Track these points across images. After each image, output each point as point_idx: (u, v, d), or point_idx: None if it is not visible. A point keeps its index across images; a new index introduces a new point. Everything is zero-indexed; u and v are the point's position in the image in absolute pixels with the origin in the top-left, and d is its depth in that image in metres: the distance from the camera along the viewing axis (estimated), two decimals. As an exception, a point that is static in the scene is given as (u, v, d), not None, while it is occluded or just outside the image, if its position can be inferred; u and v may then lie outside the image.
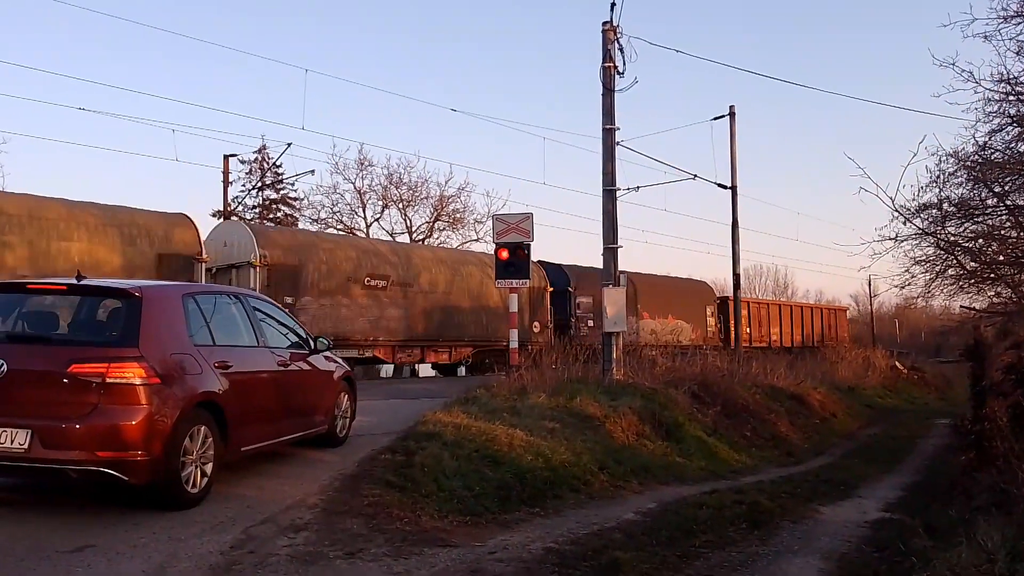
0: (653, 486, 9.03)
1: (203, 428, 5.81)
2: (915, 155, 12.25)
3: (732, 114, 23.03)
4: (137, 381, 5.32)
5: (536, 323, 23.53)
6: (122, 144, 75.64)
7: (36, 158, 73.29)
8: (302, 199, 37.40)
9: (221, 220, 26.76)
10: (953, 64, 10.55)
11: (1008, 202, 11.70)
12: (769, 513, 7.70)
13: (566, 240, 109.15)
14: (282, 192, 38.22)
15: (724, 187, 22.50)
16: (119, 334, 5.60)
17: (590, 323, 25.12)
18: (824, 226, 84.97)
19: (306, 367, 7.66)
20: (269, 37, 72.84)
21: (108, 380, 5.25)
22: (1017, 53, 10.30)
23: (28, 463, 5.18)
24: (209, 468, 5.88)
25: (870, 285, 47.45)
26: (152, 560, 4.70)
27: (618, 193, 14.96)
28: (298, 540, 5.27)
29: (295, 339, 7.73)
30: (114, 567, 4.58)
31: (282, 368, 7.12)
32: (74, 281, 6.02)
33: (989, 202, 12.06)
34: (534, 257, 15.41)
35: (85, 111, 36.12)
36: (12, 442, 5.13)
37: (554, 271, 25.59)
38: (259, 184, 37.17)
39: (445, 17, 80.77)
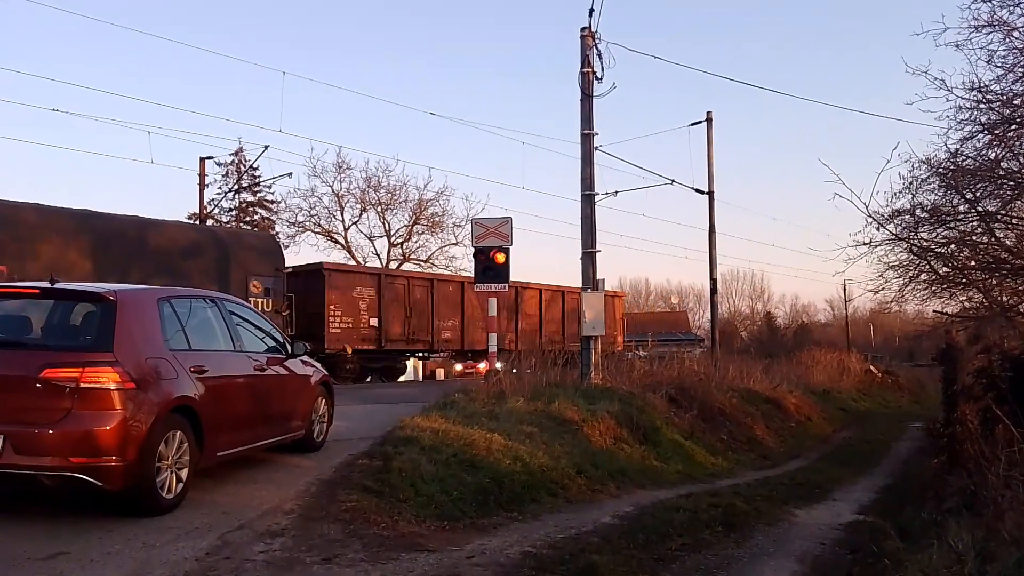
0: (630, 490, 9.08)
1: (178, 433, 5.76)
2: (888, 162, 12.35)
3: (709, 120, 23.22)
4: (111, 386, 5.27)
5: None
6: (97, 146, 74.90)
7: (8, 159, 72.21)
8: (279, 202, 37.10)
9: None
10: (926, 72, 10.60)
11: (979, 208, 11.84)
12: (744, 516, 7.77)
13: (544, 244, 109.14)
14: (259, 195, 37.88)
15: (701, 192, 22.69)
16: (93, 338, 5.54)
17: None
18: (800, 231, 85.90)
19: (283, 372, 7.62)
20: (247, 40, 72.42)
21: (82, 385, 5.20)
22: (988, 62, 10.41)
23: (1, 469, 5.11)
24: (184, 474, 5.84)
25: (845, 290, 47.80)
26: (126, 567, 4.65)
27: (596, 198, 15.04)
28: (274, 546, 5.24)
29: (272, 343, 7.69)
30: (88, 575, 4.54)
31: (259, 373, 7.07)
32: (47, 284, 5.95)
33: (961, 208, 12.20)
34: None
35: (59, 112, 35.52)
36: (-17, 448, 5.06)
37: None
38: (235, 187, 36.84)
39: (424, 21, 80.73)
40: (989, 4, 9.84)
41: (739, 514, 7.78)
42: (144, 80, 65.99)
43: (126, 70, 65.85)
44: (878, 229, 12.45)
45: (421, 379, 25.08)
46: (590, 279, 14.67)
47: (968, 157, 11.58)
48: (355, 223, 35.85)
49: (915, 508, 8.00)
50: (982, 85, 10.60)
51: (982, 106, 10.86)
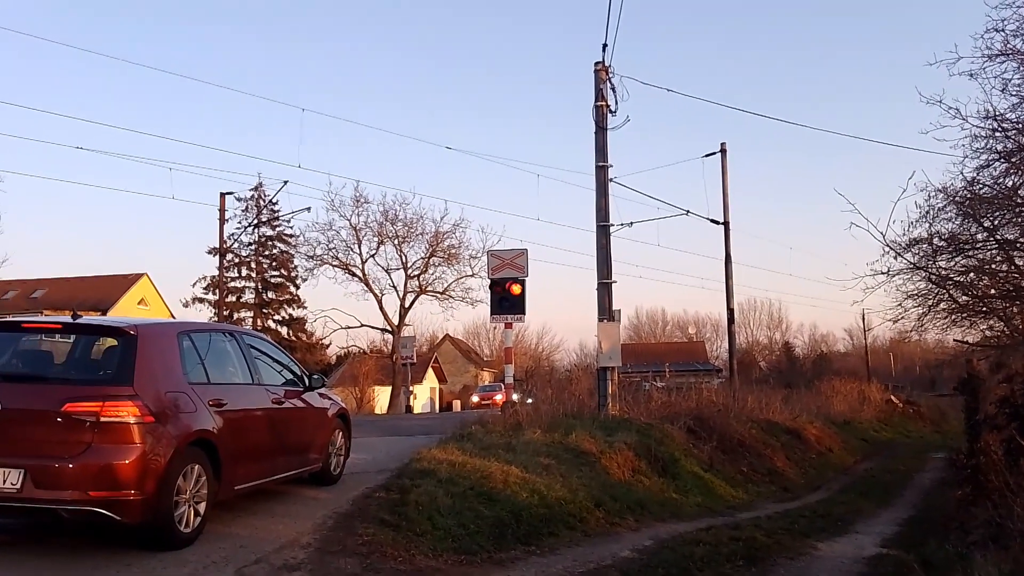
0: (649, 523, 8.98)
1: (197, 467, 5.77)
2: (904, 191, 12.40)
3: (724, 151, 23.28)
4: (131, 420, 5.30)
5: None
6: (119, 182, 76.02)
7: (33, 196, 73.42)
8: (298, 236, 37.44)
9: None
10: (940, 101, 10.64)
11: (998, 236, 11.79)
12: (766, 549, 7.66)
13: (559, 275, 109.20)
14: (278, 229, 38.34)
15: (717, 223, 22.66)
16: (114, 372, 5.59)
17: None
18: (817, 261, 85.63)
19: (300, 404, 7.64)
20: (266, 77, 73.55)
21: (102, 419, 5.23)
22: (1003, 90, 10.43)
23: (20, 503, 5.13)
24: (202, 507, 5.84)
25: (863, 319, 47.48)
26: (144, 601, 4.64)
27: (611, 229, 15.08)
28: (292, 580, 5.21)
29: (290, 376, 7.72)
30: (105, 609, 4.53)
31: (276, 406, 7.10)
32: (69, 319, 6.02)
33: (979, 236, 12.14)
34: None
35: (83, 150, 36.19)
36: (5, 482, 5.09)
37: None
38: (255, 221, 37.28)
39: (440, 57, 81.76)
40: (1002, 33, 9.88)
41: (760, 547, 7.67)
42: (166, 118, 67.18)
43: (148, 108, 67.08)
44: (896, 258, 12.42)
45: (438, 411, 25.00)
46: (606, 309, 14.65)
47: (985, 185, 11.56)
48: (372, 256, 36.16)
49: (939, 541, 7.86)
50: (997, 113, 10.61)
51: (998, 134, 10.86)
